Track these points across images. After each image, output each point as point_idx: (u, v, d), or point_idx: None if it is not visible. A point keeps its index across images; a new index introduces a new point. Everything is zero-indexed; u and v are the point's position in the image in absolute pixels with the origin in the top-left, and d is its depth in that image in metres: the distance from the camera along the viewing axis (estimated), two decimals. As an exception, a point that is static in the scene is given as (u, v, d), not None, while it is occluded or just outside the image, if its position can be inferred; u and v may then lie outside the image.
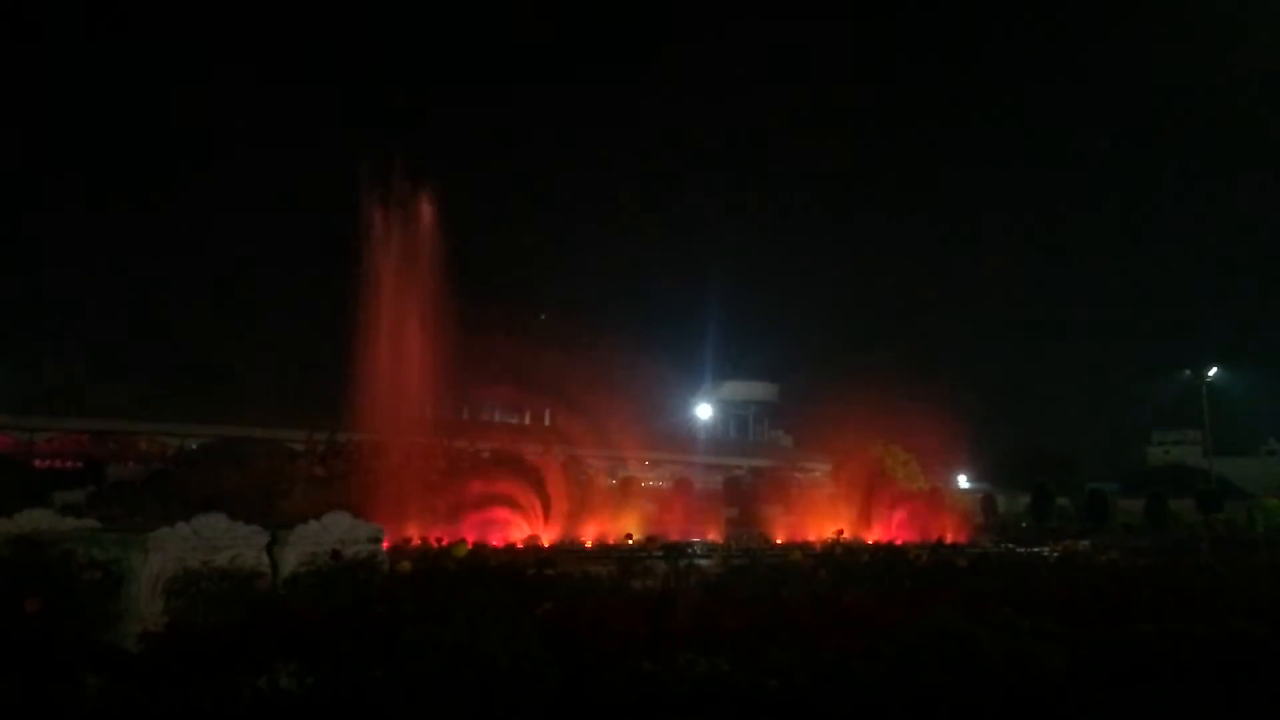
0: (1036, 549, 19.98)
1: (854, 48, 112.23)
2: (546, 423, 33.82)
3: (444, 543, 13.73)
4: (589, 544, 17.72)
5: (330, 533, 10.01)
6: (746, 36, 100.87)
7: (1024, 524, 35.62)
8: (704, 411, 63.42)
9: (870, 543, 20.22)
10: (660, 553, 15.02)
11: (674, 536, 18.87)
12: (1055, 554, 18.62)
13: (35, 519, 11.28)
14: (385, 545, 11.15)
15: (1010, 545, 21.19)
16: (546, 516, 18.58)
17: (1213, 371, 57.84)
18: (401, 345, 18.44)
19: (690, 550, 15.86)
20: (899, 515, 24.05)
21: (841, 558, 14.90)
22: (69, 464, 33.47)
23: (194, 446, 34.11)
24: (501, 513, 17.47)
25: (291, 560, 9.61)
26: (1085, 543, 22.28)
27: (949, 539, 21.70)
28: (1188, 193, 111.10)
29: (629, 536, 18.46)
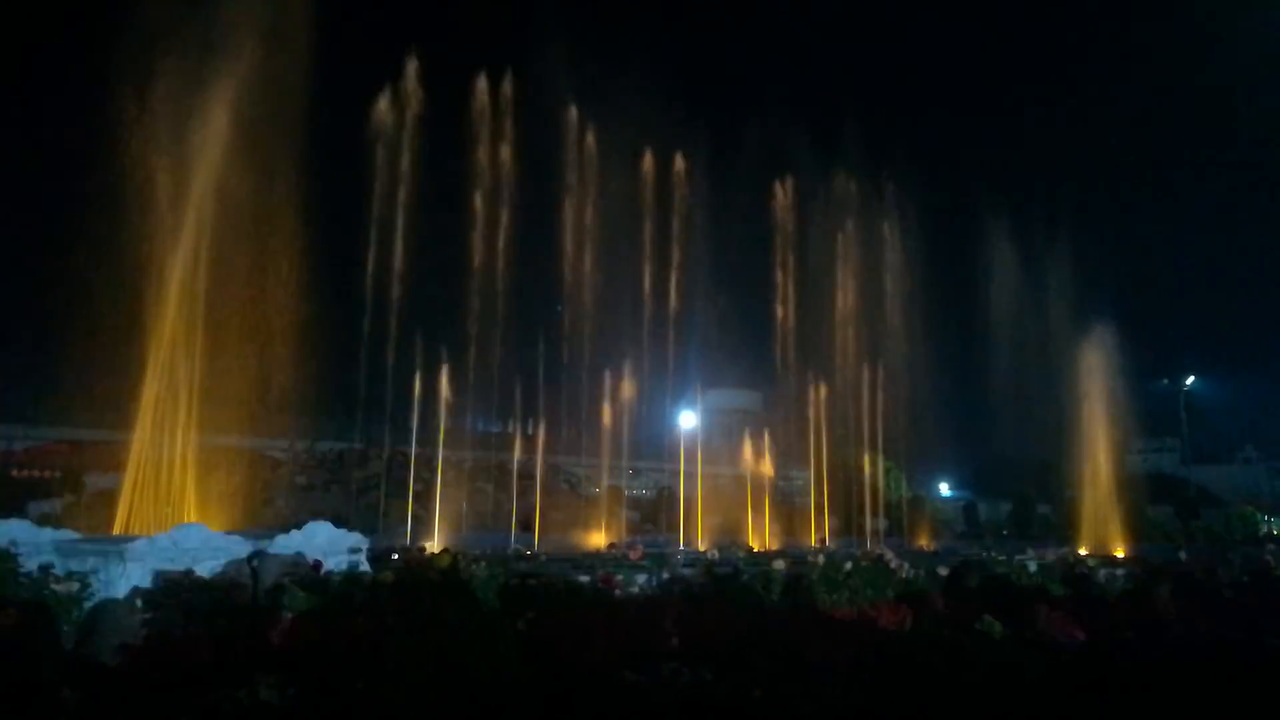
0: (1019, 557, 20.09)
1: (853, 47, 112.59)
2: (529, 432, 33.70)
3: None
4: (572, 553, 17.66)
5: (312, 543, 9.94)
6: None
7: (1005, 532, 35.79)
8: (688, 420, 63.15)
9: (854, 551, 20.25)
10: (645, 561, 14.99)
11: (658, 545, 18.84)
12: (1037, 562, 18.73)
13: (11, 530, 11.09)
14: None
15: (993, 553, 21.31)
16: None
17: (1190, 380, 58.51)
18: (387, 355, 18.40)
19: (674, 559, 15.83)
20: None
21: (824, 567, 14.90)
22: (47, 473, 32.99)
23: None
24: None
25: (273, 571, 9.52)
26: (1065, 550, 22.47)
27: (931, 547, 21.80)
28: (1164, 196, 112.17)
29: (612, 545, 18.43)
